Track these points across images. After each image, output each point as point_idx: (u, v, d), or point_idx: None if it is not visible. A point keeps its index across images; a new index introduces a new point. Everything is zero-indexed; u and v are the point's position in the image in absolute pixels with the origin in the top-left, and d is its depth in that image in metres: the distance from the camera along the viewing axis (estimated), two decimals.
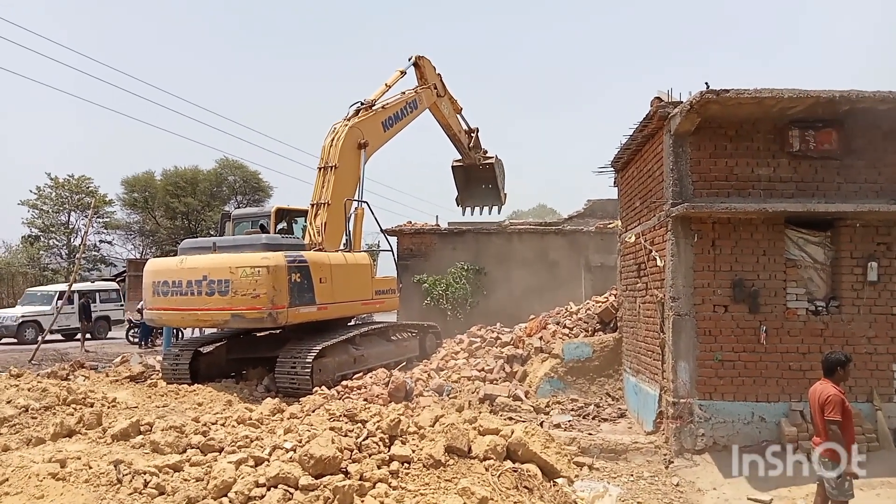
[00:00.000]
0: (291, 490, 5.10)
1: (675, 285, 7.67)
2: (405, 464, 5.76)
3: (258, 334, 13.52)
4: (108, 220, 47.53)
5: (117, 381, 12.40)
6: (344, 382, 11.13)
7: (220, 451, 6.02)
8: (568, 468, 6.79)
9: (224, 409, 9.12)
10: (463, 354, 13.22)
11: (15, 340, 22.03)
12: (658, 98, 8.27)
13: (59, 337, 23.26)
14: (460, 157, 19.76)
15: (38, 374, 11.66)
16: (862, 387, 7.57)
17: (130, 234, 50.05)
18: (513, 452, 6.41)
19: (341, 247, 13.13)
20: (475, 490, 5.25)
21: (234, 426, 7.03)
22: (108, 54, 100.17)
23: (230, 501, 4.99)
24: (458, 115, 18.34)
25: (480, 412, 8.77)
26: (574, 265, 19.69)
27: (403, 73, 15.61)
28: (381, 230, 16.18)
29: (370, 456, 5.74)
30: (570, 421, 9.02)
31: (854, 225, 7.65)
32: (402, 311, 18.03)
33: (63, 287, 24.66)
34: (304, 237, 13.25)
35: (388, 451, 5.89)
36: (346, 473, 5.41)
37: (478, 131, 19.37)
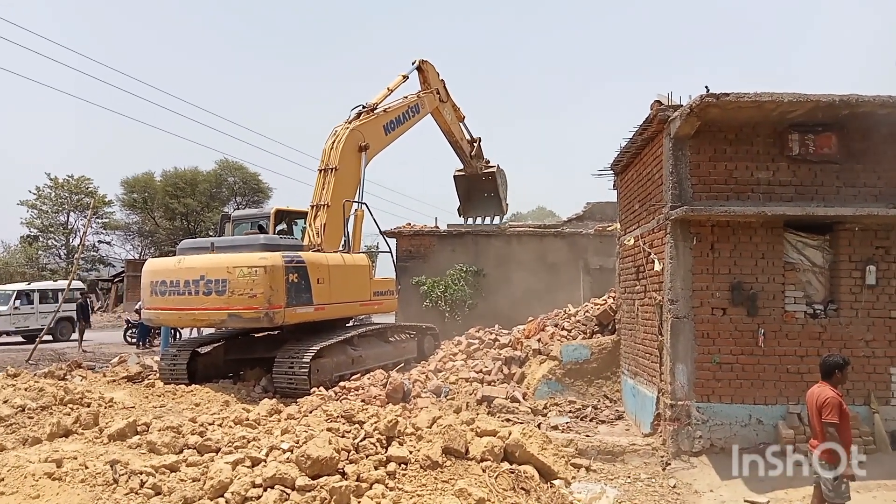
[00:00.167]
0: (288, 491, 5.09)
1: (674, 288, 7.68)
2: (402, 465, 5.76)
3: (256, 335, 13.51)
4: (107, 220, 47.56)
5: (114, 381, 12.37)
6: (342, 383, 11.11)
7: (217, 451, 6.01)
8: (565, 470, 6.79)
9: (221, 410, 9.10)
10: (461, 356, 13.21)
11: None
12: (658, 101, 8.29)
13: (46, 338, 22.96)
14: (462, 167, 19.78)
15: (35, 374, 11.63)
16: (859, 390, 7.57)
17: (129, 235, 50.09)
18: (510, 454, 6.41)
19: (340, 248, 13.13)
20: (472, 491, 5.25)
21: (231, 427, 7.01)
22: (108, 55, 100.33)
23: (226, 502, 4.98)
24: (461, 124, 18.35)
25: (478, 414, 8.76)
26: (573, 268, 19.69)
27: (406, 77, 15.62)
28: (381, 231, 16.16)
29: (367, 457, 5.74)
30: (567, 423, 9.02)
31: (853, 229, 7.66)
32: (400, 313, 18.02)
33: (22, 286, 24.26)
34: (303, 238, 13.25)
35: (386, 452, 5.89)
36: (343, 474, 5.41)
37: (480, 141, 19.37)
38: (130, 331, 22.31)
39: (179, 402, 10.35)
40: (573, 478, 6.80)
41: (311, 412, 8.01)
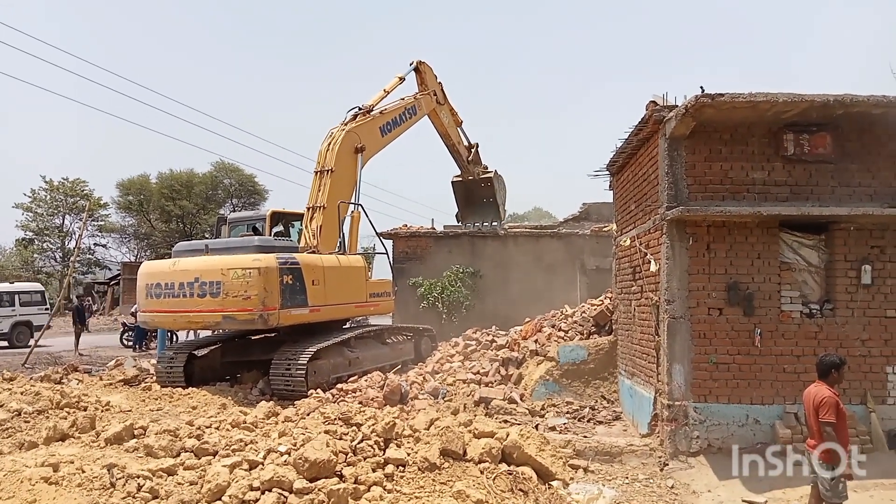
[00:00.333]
0: (286, 494, 5.09)
1: (670, 288, 7.69)
2: (400, 467, 5.76)
3: (253, 337, 13.49)
4: (102, 223, 47.47)
5: (111, 384, 12.33)
6: (339, 385, 11.09)
7: (215, 454, 6.00)
8: (563, 471, 6.80)
9: (218, 413, 9.07)
10: (458, 357, 13.21)
11: None
12: (653, 102, 8.30)
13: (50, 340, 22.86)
14: (460, 173, 19.75)
15: (31, 378, 11.60)
16: (856, 389, 7.59)
17: (125, 238, 50.01)
18: (508, 455, 6.41)
19: (336, 250, 13.11)
20: (470, 493, 5.25)
21: (228, 430, 7.00)
22: (102, 56, 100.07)
23: None
24: (459, 129, 18.32)
25: (475, 415, 8.77)
26: (570, 268, 19.71)
27: (402, 79, 15.60)
28: (377, 233, 16.18)
29: (365, 459, 5.74)
30: (565, 424, 9.02)
31: (848, 228, 7.68)
32: (397, 314, 18.01)
33: None
34: (299, 240, 13.24)
35: (383, 455, 5.88)
36: (341, 477, 5.41)
37: (478, 146, 19.33)
38: (127, 334, 22.25)
39: (176, 406, 10.32)
40: (571, 479, 6.81)
41: (308, 415, 8.00)
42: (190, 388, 11.35)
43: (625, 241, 9.94)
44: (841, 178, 7.76)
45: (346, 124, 13.78)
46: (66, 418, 7.73)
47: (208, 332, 13.51)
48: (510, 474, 5.96)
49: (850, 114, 7.31)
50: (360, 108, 14.17)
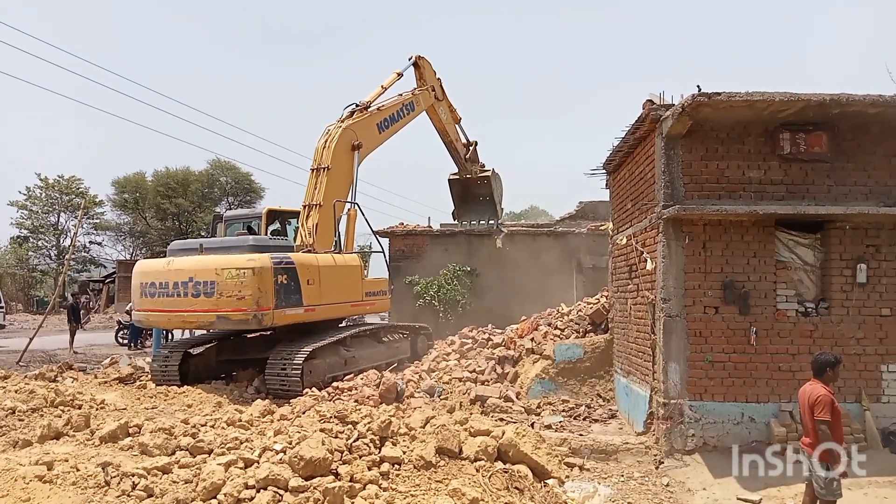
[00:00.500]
0: (281, 492, 5.08)
1: (666, 287, 7.70)
2: (396, 465, 5.76)
3: (248, 336, 13.46)
4: (98, 221, 47.31)
5: (106, 382, 12.29)
6: (335, 384, 11.08)
7: (210, 452, 5.99)
8: (559, 469, 6.81)
9: (214, 411, 9.06)
10: (454, 356, 13.20)
11: None
12: (650, 101, 8.31)
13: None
14: (457, 171, 19.71)
15: (25, 376, 11.54)
16: (851, 387, 7.61)
17: (121, 236, 49.87)
18: (504, 453, 6.41)
19: (332, 248, 13.09)
20: (466, 491, 5.24)
21: (223, 428, 6.98)
22: (98, 54, 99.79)
23: (219, 503, 4.96)
24: (458, 127, 18.24)
25: (471, 413, 8.77)
26: (566, 267, 19.73)
27: (400, 75, 15.51)
28: (373, 231, 16.10)
29: (361, 457, 5.73)
30: (560, 422, 9.03)
31: (844, 227, 7.70)
32: (393, 313, 17.99)
33: None
34: (295, 239, 13.20)
35: (379, 453, 5.88)
36: (337, 475, 5.40)
37: (476, 144, 19.23)
38: (122, 332, 22.19)
39: (171, 404, 10.30)
40: (567, 477, 6.81)
41: (304, 413, 7.99)
42: (185, 387, 11.32)
43: (621, 240, 9.95)
44: (837, 178, 7.78)
45: (342, 121, 13.73)
46: (60, 416, 7.69)
47: (203, 331, 13.47)
48: (506, 472, 5.96)
49: (846, 113, 7.32)
50: (357, 105, 14.11)
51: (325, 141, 13.36)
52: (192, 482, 5.28)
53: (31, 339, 17.75)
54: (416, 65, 16.05)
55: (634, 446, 7.82)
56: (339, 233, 13.33)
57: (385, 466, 5.69)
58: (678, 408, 7.57)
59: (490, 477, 5.79)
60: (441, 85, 16.83)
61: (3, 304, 24.13)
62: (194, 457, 5.89)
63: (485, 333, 14.11)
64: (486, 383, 11.20)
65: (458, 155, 18.71)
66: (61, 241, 44.97)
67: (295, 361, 10.88)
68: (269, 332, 12.68)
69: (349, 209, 13.58)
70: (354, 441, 5.93)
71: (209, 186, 47.48)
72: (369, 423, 6.33)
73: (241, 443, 6.22)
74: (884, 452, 7.28)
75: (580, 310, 12.51)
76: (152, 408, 9.88)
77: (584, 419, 9.34)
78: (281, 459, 5.46)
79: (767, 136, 7.76)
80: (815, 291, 7.89)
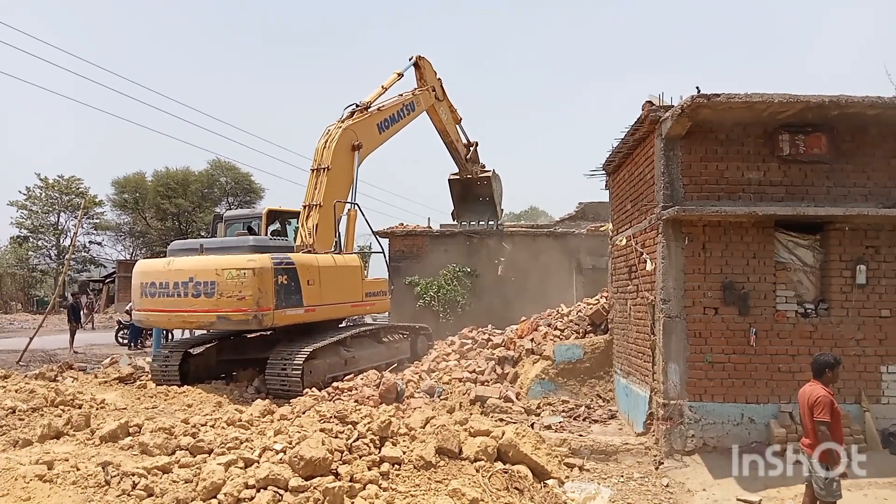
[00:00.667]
0: (281, 491, 5.09)
1: (666, 288, 7.70)
2: (396, 465, 5.76)
3: (248, 336, 13.47)
4: (97, 221, 47.29)
5: (106, 382, 12.30)
6: (335, 384, 11.09)
7: (210, 452, 6.00)
8: (558, 469, 6.82)
9: (214, 411, 9.07)
10: (454, 356, 13.21)
11: None
12: (649, 102, 8.31)
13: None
14: (457, 171, 19.71)
15: (25, 376, 11.55)
16: (850, 388, 7.62)
17: (121, 236, 49.85)
18: (504, 454, 6.42)
19: (332, 248, 13.09)
20: (466, 491, 5.25)
21: (223, 428, 6.99)
22: (99, 55, 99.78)
23: (219, 503, 4.97)
24: (458, 127, 18.22)
25: (471, 414, 8.77)
26: (565, 267, 19.75)
27: (401, 75, 15.51)
28: (373, 232, 16.11)
29: (361, 457, 5.73)
30: (560, 422, 9.03)
31: (843, 228, 7.70)
32: (393, 313, 18.01)
33: None
34: (296, 239, 13.21)
35: (379, 453, 5.88)
36: (337, 475, 5.40)
37: (477, 145, 19.21)
38: (122, 332, 22.19)
39: (172, 404, 10.30)
40: (566, 477, 6.82)
41: (304, 413, 8.00)
42: (185, 386, 11.34)
43: (621, 241, 9.95)
44: (836, 179, 7.78)
45: (343, 121, 13.74)
46: (60, 416, 7.71)
47: (203, 331, 13.48)
48: (506, 473, 5.96)
49: (845, 115, 7.33)
50: (357, 105, 14.11)
51: (326, 141, 13.37)
52: (192, 482, 5.28)
53: (31, 339, 17.74)
54: (416, 65, 16.05)
55: (634, 447, 7.83)
56: (339, 233, 13.34)
57: (385, 466, 5.70)
58: (678, 408, 7.58)
59: (490, 477, 5.79)
60: (441, 85, 16.83)
61: None
62: (194, 456, 5.90)
63: (485, 334, 14.12)
64: (485, 384, 11.21)
65: (459, 155, 18.70)
66: (61, 240, 44.96)
67: (295, 362, 10.89)
68: (269, 333, 12.68)
69: (349, 209, 13.58)
70: (354, 441, 5.93)
71: (209, 187, 47.47)
72: (369, 423, 6.34)
73: (241, 443, 6.23)
74: (883, 453, 7.28)
75: (580, 310, 12.52)
76: (152, 407, 9.89)
77: (583, 420, 9.35)
78: (281, 459, 5.46)
79: (767, 138, 7.77)
80: (815, 292, 7.89)
